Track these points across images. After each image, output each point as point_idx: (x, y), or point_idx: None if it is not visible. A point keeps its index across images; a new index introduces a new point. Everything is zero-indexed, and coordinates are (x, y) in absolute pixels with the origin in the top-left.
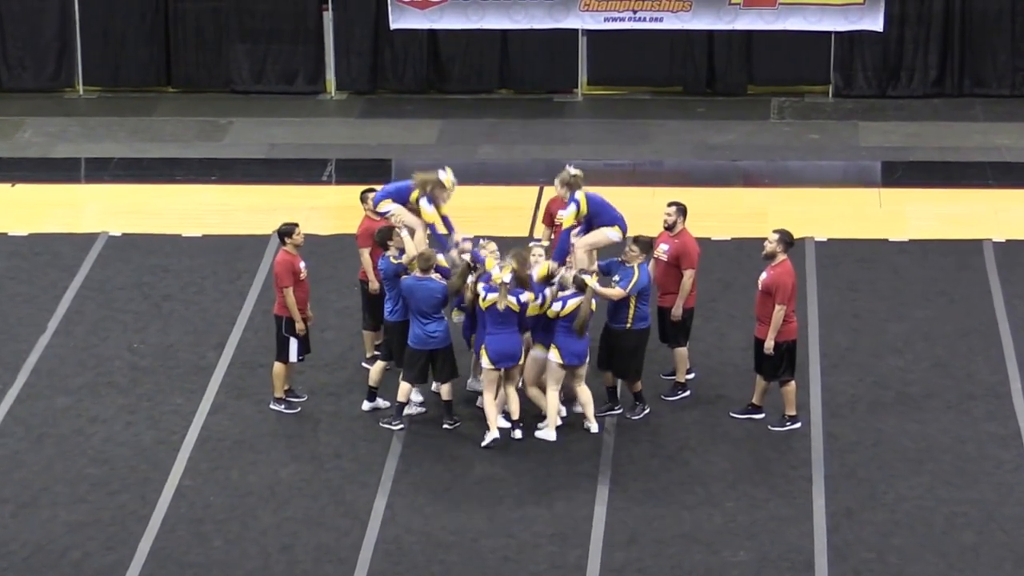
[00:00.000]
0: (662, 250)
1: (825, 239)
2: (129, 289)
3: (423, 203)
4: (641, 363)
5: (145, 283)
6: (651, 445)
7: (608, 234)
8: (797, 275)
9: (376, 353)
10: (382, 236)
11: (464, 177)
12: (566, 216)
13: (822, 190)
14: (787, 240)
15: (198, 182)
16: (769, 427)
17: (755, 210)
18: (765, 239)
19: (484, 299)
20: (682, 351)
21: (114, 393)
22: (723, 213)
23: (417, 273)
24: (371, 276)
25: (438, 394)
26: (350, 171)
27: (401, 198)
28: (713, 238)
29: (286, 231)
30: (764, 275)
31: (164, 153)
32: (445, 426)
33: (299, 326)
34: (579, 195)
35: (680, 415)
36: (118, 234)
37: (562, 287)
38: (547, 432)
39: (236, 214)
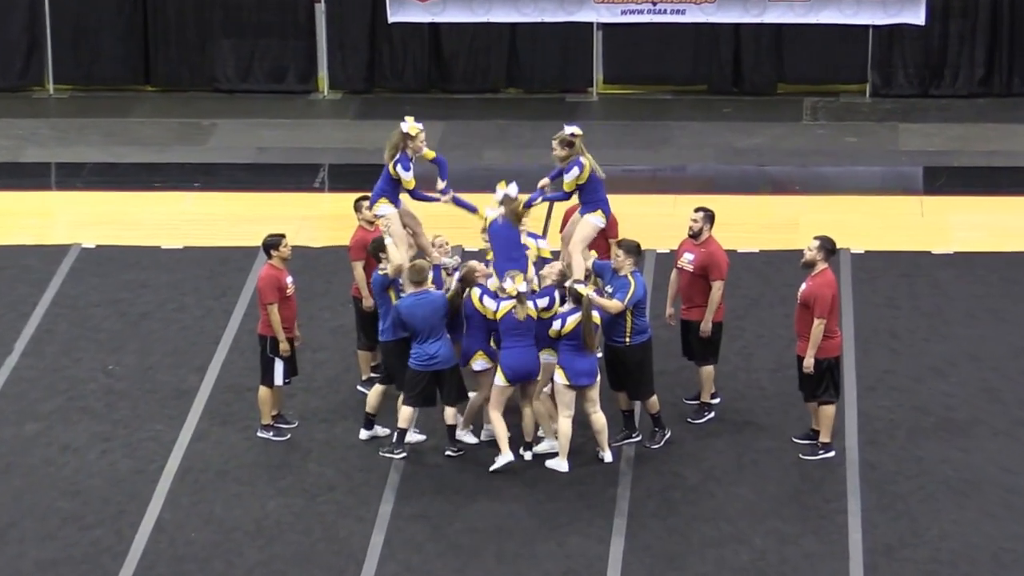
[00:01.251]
0: (686, 259)
1: (862, 251)
2: (104, 306)
3: (400, 170)
4: (650, 378)
5: (121, 299)
6: (672, 476)
7: (594, 222)
8: None
9: (373, 376)
10: (376, 247)
11: (469, 184)
12: (568, 179)
13: (859, 198)
14: (828, 248)
15: (179, 189)
16: (800, 456)
17: (785, 220)
18: (803, 250)
19: (497, 309)
20: (709, 370)
21: (88, 419)
22: (750, 223)
23: (410, 289)
24: (365, 292)
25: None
26: (345, 177)
27: (396, 192)
28: (739, 250)
29: (272, 243)
30: (803, 286)
31: (142, 158)
32: (448, 454)
33: (283, 347)
34: (585, 160)
35: (703, 443)
36: (92, 246)
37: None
38: (558, 462)
39: (220, 224)
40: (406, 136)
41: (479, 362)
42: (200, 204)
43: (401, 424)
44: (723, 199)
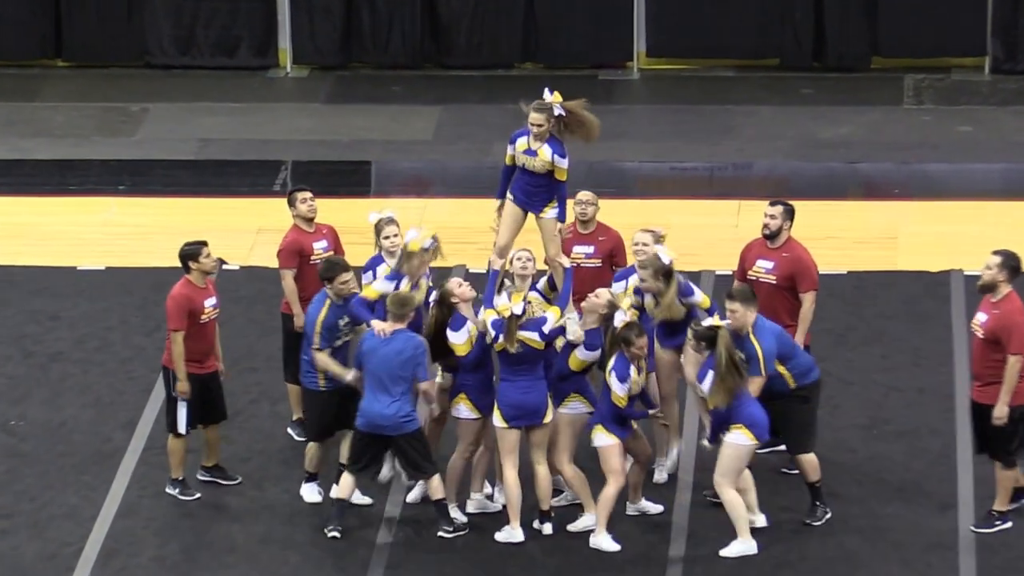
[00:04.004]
0: (763, 268)
1: (980, 272)
2: (5, 344)
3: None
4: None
5: (26, 335)
6: (739, 565)
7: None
8: (938, 319)
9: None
10: (329, 271)
11: (472, 186)
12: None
13: (975, 203)
14: (1013, 265)
15: (100, 193)
16: (972, 528)
17: (881, 232)
18: (914, 271)
19: (496, 340)
20: None
21: None
22: (837, 236)
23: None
24: (296, 308)
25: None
26: (313, 177)
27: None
28: (822, 271)
29: (188, 253)
30: (983, 316)
31: (52, 153)
32: (441, 534)
33: (181, 386)
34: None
35: (774, 516)
36: None
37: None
38: (603, 538)
39: (154, 239)
40: (405, 254)
41: (459, 408)
42: (128, 212)
43: (339, 494)
44: (801, 205)
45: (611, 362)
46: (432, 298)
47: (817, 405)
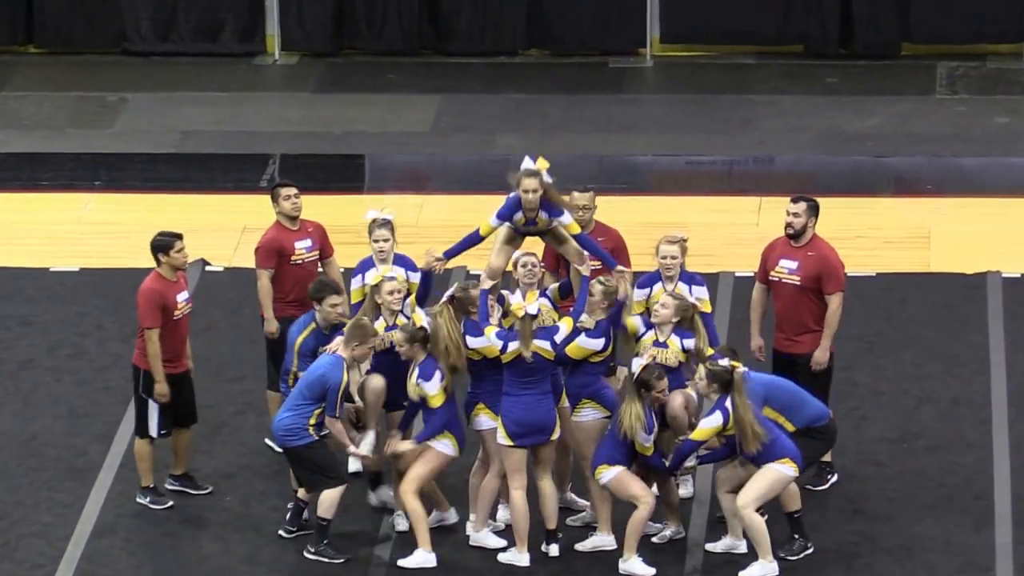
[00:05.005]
0: (786, 268)
1: (1018, 274)
2: None
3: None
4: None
5: None
6: None
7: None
8: (974, 325)
9: None
10: (318, 292)
11: (475, 182)
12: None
13: (1013, 200)
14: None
15: (75, 189)
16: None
17: (913, 230)
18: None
19: (505, 350)
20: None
21: None
22: (865, 236)
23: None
24: (268, 313)
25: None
26: (303, 172)
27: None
28: (850, 272)
29: (160, 245)
30: None
31: (24, 146)
32: (305, 554)
33: (159, 387)
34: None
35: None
36: None
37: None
38: (634, 562)
39: (132, 237)
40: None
41: (479, 420)
42: (104, 210)
43: (321, 513)
44: (826, 202)
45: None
46: (448, 294)
47: (822, 442)
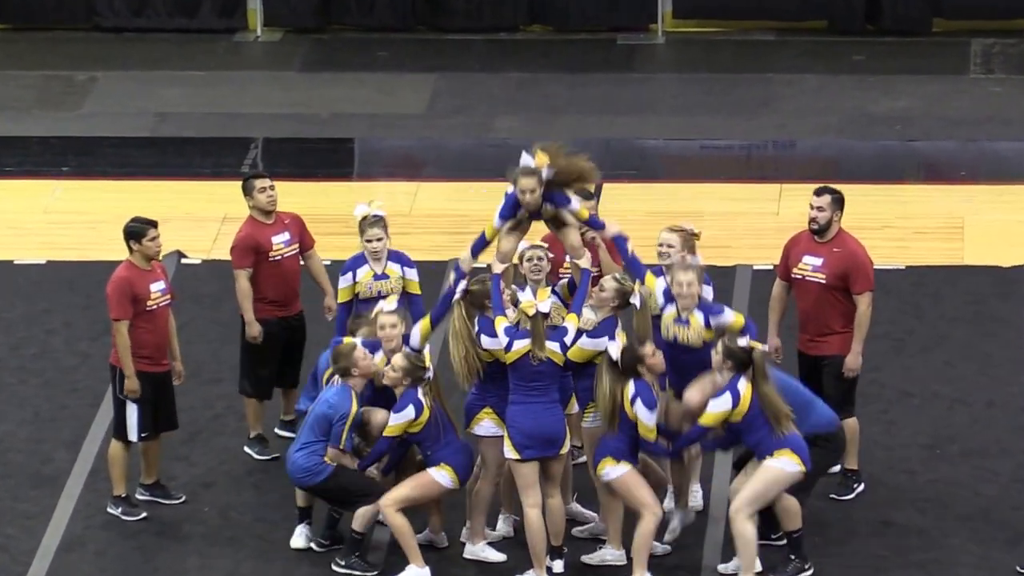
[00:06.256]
0: (810, 265)
1: None
2: None
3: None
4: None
5: None
6: None
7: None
8: (1010, 321)
9: (281, 432)
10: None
11: (473, 167)
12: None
13: None
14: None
15: (41, 175)
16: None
17: (945, 220)
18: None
19: (510, 349)
20: (854, 424)
21: None
22: (894, 226)
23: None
24: (248, 315)
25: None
26: (287, 157)
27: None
28: (877, 265)
29: (133, 231)
30: None
31: None
32: (334, 567)
33: (129, 384)
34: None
35: (831, 547)
36: None
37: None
38: None
39: (103, 227)
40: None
41: (484, 424)
42: (72, 198)
43: (356, 527)
44: (852, 190)
45: (630, 390)
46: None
47: (827, 452)
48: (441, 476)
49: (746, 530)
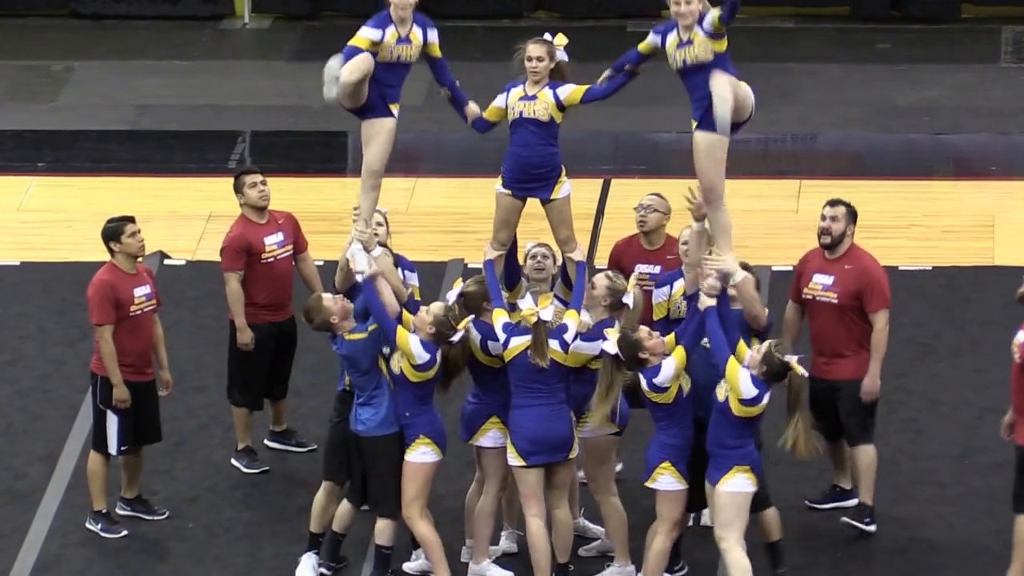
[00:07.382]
0: (820, 284)
1: None
2: None
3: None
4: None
5: None
6: None
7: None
8: None
9: (272, 444)
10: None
11: (471, 164)
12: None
13: None
14: None
15: (15, 171)
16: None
17: (974, 218)
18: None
19: (506, 347)
20: (871, 453)
21: None
22: (921, 224)
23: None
24: (240, 320)
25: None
26: (276, 151)
27: None
28: (901, 267)
29: (110, 232)
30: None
31: None
32: None
33: (117, 393)
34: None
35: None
36: None
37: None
38: None
39: (79, 227)
40: None
41: (490, 435)
42: (47, 195)
43: (380, 540)
44: (875, 186)
45: (644, 380)
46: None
47: None
48: (425, 455)
49: (740, 562)
